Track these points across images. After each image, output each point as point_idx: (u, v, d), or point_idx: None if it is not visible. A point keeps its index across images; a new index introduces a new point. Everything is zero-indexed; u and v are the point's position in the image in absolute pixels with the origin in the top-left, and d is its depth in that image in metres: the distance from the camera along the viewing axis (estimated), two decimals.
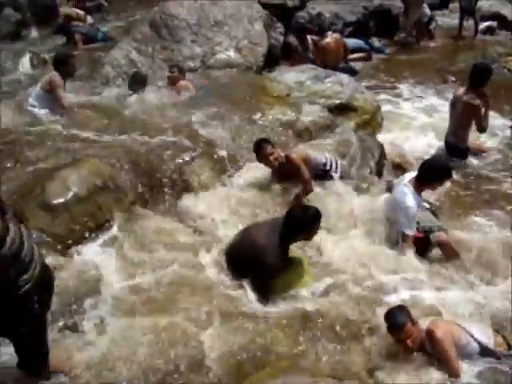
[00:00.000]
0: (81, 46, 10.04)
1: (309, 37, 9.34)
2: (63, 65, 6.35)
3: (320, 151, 5.25)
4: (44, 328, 2.75)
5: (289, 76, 7.10)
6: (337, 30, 10.07)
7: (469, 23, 12.54)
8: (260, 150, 4.84)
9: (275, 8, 10.06)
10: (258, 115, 5.98)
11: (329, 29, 10.01)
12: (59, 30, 10.69)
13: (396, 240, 4.39)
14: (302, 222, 3.84)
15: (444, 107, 7.34)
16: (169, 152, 5.03)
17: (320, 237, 4.16)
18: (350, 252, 4.24)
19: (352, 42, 10.18)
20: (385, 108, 7.77)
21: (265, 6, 9.44)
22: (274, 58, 8.78)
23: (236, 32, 8.00)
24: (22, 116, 6.12)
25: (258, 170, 5.11)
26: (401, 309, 3.30)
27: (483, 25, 12.62)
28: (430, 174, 4.45)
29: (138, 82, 6.62)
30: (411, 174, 4.59)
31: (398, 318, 3.22)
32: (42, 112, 6.14)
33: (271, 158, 4.80)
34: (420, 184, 4.43)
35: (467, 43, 12.06)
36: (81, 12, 11.15)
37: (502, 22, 13.25)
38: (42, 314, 2.63)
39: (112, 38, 10.31)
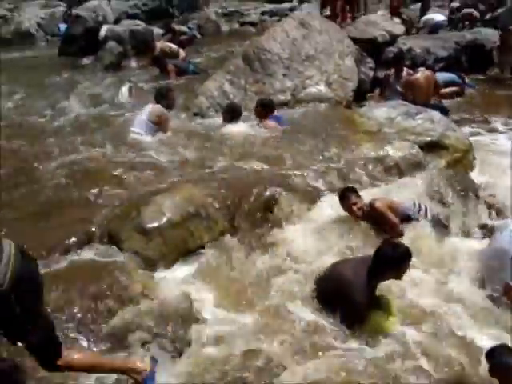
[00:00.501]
0: (173, 77, 10.52)
1: (405, 69, 9.28)
2: (165, 98, 6.85)
3: (408, 191, 5.18)
4: (40, 325, 2.70)
5: (379, 112, 7.07)
6: (428, 66, 9.93)
7: None
8: (344, 199, 4.82)
9: (365, 43, 10.11)
10: (347, 150, 5.98)
11: (420, 64, 9.90)
12: (155, 62, 11.27)
13: (496, 289, 4.16)
14: (392, 259, 3.77)
15: None
16: (260, 182, 5.13)
17: (411, 276, 4.07)
18: (442, 295, 4.11)
19: (445, 76, 10.01)
20: (478, 145, 7.57)
21: (355, 40, 9.52)
22: (364, 92, 8.81)
23: (327, 66, 8.09)
24: (125, 141, 6.47)
25: None
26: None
27: None
28: None
29: (232, 113, 6.82)
30: None
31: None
32: (146, 139, 6.50)
33: (355, 208, 4.76)
34: None
35: None
36: (174, 46, 11.72)
37: None
38: (27, 313, 2.57)
39: (203, 70, 10.68)
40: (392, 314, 3.84)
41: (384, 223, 4.75)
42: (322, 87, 7.80)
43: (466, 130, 7.87)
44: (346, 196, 4.83)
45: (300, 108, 7.48)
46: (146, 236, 4.43)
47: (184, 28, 14.35)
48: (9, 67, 12.26)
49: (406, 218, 4.86)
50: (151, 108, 6.77)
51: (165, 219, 4.51)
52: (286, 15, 13.33)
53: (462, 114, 9.08)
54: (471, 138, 7.34)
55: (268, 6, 19.83)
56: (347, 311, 3.76)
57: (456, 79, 10.32)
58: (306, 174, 5.42)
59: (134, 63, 12.14)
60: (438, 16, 14.49)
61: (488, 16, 15.81)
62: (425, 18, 14.41)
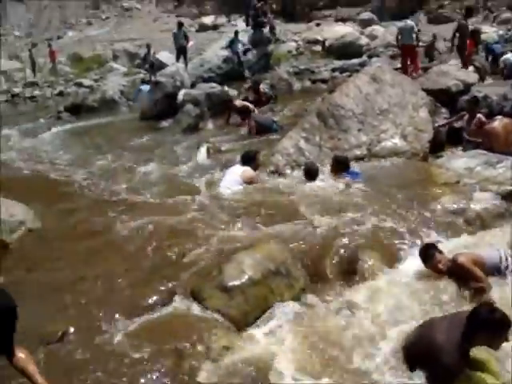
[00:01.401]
0: (253, 133, 10.85)
1: (479, 115, 9.09)
2: (252, 161, 7.29)
3: (493, 244, 5.00)
4: None
5: (457, 162, 6.97)
6: (506, 113, 9.70)
7: None
8: (426, 256, 4.73)
9: (439, 93, 10.06)
10: (427, 203, 5.90)
11: (498, 112, 9.68)
12: (239, 113, 11.81)
13: None
14: (486, 323, 3.56)
15: None
16: (339, 238, 5.14)
17: None
18: None
19: None
20: None
21: (428, 92, 9.49)
22: (440, 143, 8.70)
23: (401, 119, 8.09)
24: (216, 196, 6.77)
25: None
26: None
27: None
28: None
29: (309, 173, 6.92)
30: None
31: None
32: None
33: (439, 265, 4.65)
34: None
35: None
36: (251, 105, 12.19)
37: None
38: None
39: (283, 127, 10.90)
40: (492, 376, 3.61)
41: (469, 278, 4.56)
42: (398, 140, 7.78)
43: None
44: (428, 254, 4.73)
45: (376, 162, 7.49)
46: (228, 294, 4.48)
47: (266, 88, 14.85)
48: (96, 132, 13.17)
49: (494, 273, 4.66)
50: (243, 171, 7.10)
51: (246, 277, 4.56)
52: (357, 71, 13.55)
53: None
54: None
55: (337, 63, 20.23)
56: (437, 376, 3.60)
57: None
58: (385, 228, 5.37)
59: (210, 125, 12.64)
60: None
61: None
62: (504, 57, 14.15)
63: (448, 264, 4.64)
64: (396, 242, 5.20)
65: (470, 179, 6.55)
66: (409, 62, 13.92)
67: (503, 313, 3.64)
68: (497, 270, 4.67)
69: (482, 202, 6.01)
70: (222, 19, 33.37)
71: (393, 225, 5.41)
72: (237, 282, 4.54)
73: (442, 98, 9.97)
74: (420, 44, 15.47)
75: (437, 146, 8.44)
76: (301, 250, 5.00)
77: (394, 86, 8.58)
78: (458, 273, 4.59)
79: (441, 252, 4.75)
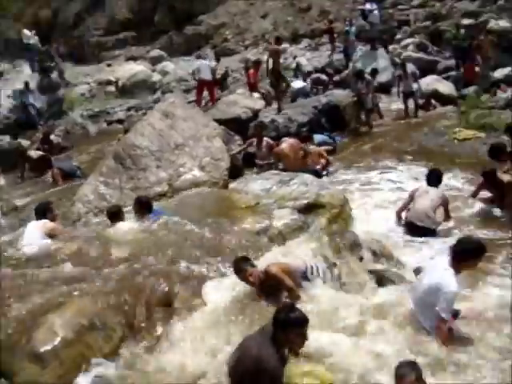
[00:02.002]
0: (60, 182, 10.33)
1: (265, 139, 9.76)
2: (47, 213, 6.82)
3: (296, 255, 5.36)
4: None
5: (255, 185, 7.37)
6: (292, 134, 10.60)
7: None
8: (238, 270, 4.90)
9: (230, 122, 10.63)
10: (230, 227, 6.09)
11: (285, 133, 10.53)
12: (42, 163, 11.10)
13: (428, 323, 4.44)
14: (289, 322, 3.84)
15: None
16: (153, 277, 5.06)
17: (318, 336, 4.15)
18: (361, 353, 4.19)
19: (318, 137, 10.95)
20: (354, 197, 8.14)
21: (220, 121, 9.98)
22: (238, 169, 9.15)
23: (197, 151, 8.33)
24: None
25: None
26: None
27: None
28: (467, 253, 4.53)
29: (111, 216, 6.73)
30: (442, 257, 4.70)
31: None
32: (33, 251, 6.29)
33: (250, 278, 4.85)
34: (458, 265, 4.50)
35: (415, 122, 12.87)
36: (47, 154, 11.64)
37: (440, 97, 14.33)
38: None
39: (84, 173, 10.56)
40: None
41: (281, 288, 4.84)
42: (197, 172, 7.99)
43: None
44: (240, 267, 4.90)
45: (178, 196, 7.56)
46: (41, 362, 4.15)
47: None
48: None
49: (303, 279, 5.01)
50: (42, 224, 6.65)
51: (58, 339, 4.26)
52: (152, 108, 13.67)
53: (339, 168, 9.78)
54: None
55: (132, 102, 20.26)
56: None
57: (328, 139, 11.17)
58: (193, 262, 5.37)
59: (2, 181, 11.73)
60: (297, 83, 15.56)
61: (337, 78, 17.33)
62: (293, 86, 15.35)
63: (260, 276, 4.85)
64: (204, 272, 5.25)
65: (268, 199, 6.94)
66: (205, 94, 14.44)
67: (300, 311, 3.96)
68: (305, 278, 5.04)
69: (282, 218, 6.40)
70: (5, 65, 31.26)
71: (197, 256, 5.46)
72: (49, 347, 4.22)
73: (234, 126, 10.55)
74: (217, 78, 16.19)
75: (235, 172, 8.86)
76: (114, 297, 4.82)
77: (187, 119, 8.83)
78: (271, 283, 4.83)
79: (253, 265, 4.95)
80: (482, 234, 6.77)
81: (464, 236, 5.84)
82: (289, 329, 3.86)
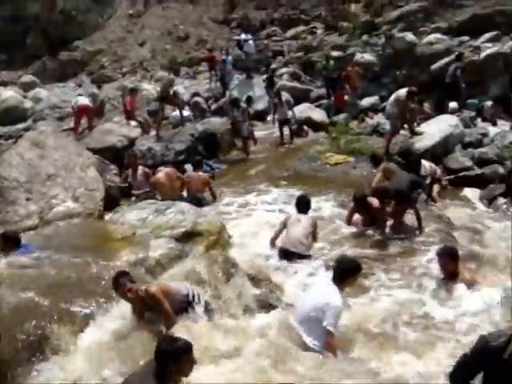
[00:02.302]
0: None
1: (140, 167, 9.62)
2: None
3: (181, 282, 5.34)
4: None
5: (130, 215, 7.23)
6: (169, 162, 10.57)
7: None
8: (117, 285, 4.82)
9: (105, 151, 10.40)
10: (105, 261, 5.87)
11: (162, 162, 10.47)
12: None
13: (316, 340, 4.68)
14: (172, 354, 3.75)
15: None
16: (29, 315, 4.75)
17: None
18: None
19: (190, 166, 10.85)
20: (233, 223, 8.26)
21: (95, 151, 9.74)
22: (114, 199, 8.93)
23: (70, 182, 8.07)
24: None
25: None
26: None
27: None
28: (346, 272, 5.02)
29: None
30: (320, 276, 5.14)
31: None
32: None
33: (128, 294, 4.77)
34: (340, 284, 4.93)
35: (290, 148, 13.42)
36: None
37: (313, 124, 15.12)
38: None
39: None
40: None
41: (159, 310, 4.82)
42: (70, 203, 7.73)
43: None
44: (119, 281, 4.83)
45: (50, 229, 7.18)
46: None
47: None
48: None
49: (185, 304, 5.01)
50: None
51: None
52: (21, 136, 13.01)
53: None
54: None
55: (1, 129, 19.13)
56: None
57: (205, 167, 11.25)
58: (67, 298, 5.13)
59: None
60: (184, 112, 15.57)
61: (214, 106, 17.69)
62: (172, 114, 15.34)
63: (140, 293, 4.78)
64: (79, 309, 5.02)
65: (145, 229, 6.85)
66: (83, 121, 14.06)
67: (183, 340, 3.91)
68: (188, 303, 5.03)
69: (159, 248, 6.33)
70: None
71: (65, 293, 5.17)
72: None
73: (109, 154, 10.33)
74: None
75: (111, 203, 8.65)
76: None
77: (58, 149, 8.54)
78: (150, 303, 4.81)
79: (132, 281, 4.88)
80: (357, 252, 7.12)
81: (340, 256, 6.16)
82: (182, 358, 3.79)
